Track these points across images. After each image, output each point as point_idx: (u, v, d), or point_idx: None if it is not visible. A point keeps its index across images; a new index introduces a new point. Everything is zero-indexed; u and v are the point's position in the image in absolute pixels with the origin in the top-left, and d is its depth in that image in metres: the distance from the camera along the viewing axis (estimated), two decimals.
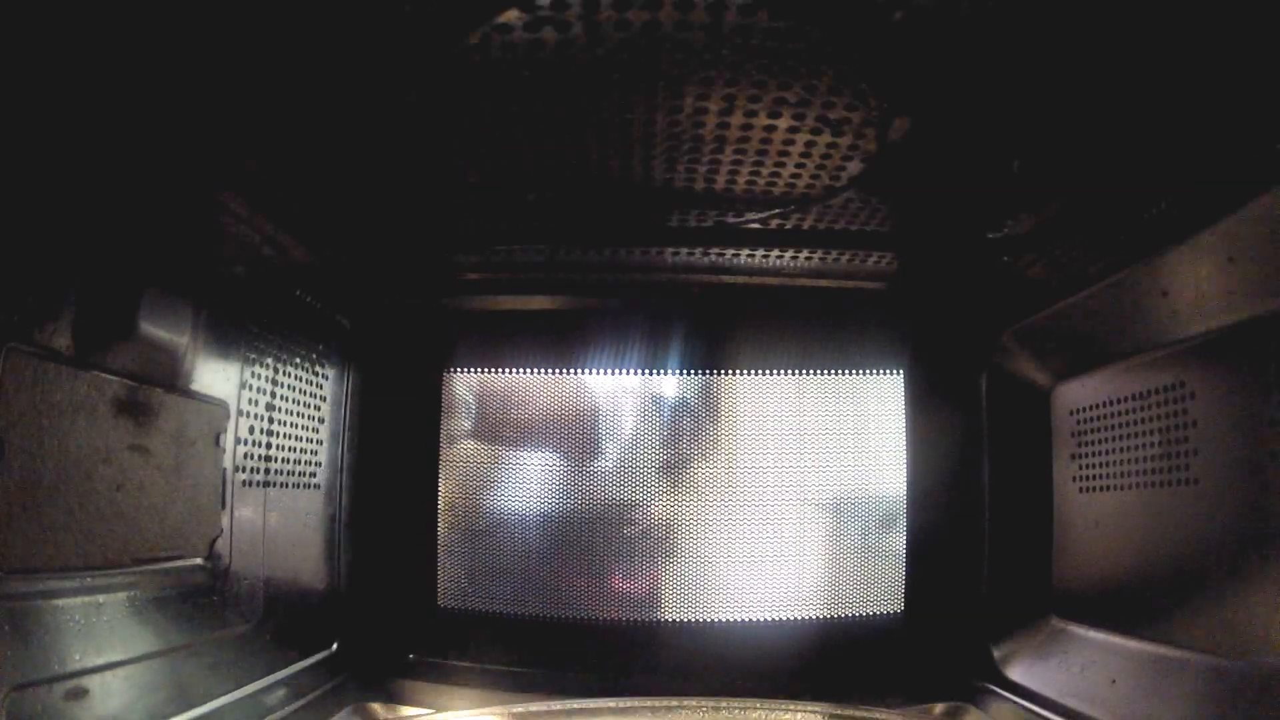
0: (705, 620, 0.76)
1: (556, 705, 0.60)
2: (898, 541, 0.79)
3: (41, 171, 0.40)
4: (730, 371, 0.82)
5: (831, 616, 0.77)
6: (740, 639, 0.75)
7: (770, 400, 0.82)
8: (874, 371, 0.82)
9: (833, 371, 0.82)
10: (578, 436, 0.81)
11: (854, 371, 0.82)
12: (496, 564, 0.78)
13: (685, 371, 0.83)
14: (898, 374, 0.82)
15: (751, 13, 0.38)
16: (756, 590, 0.77)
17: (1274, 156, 0.40)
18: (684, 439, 0.82)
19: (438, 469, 0.79)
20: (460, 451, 0.81)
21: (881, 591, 0.78)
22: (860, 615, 0.77)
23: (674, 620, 0.76)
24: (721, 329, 0.83)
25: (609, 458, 0.81)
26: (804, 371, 0.81)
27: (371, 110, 0.47)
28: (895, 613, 0.77)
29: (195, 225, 0.53)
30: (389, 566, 0.76)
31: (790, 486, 0.81)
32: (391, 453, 0.78)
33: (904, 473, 0.79)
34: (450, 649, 0.75)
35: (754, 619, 0.77)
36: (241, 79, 0.43)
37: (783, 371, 0.81)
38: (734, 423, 0.83)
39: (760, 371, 0.82)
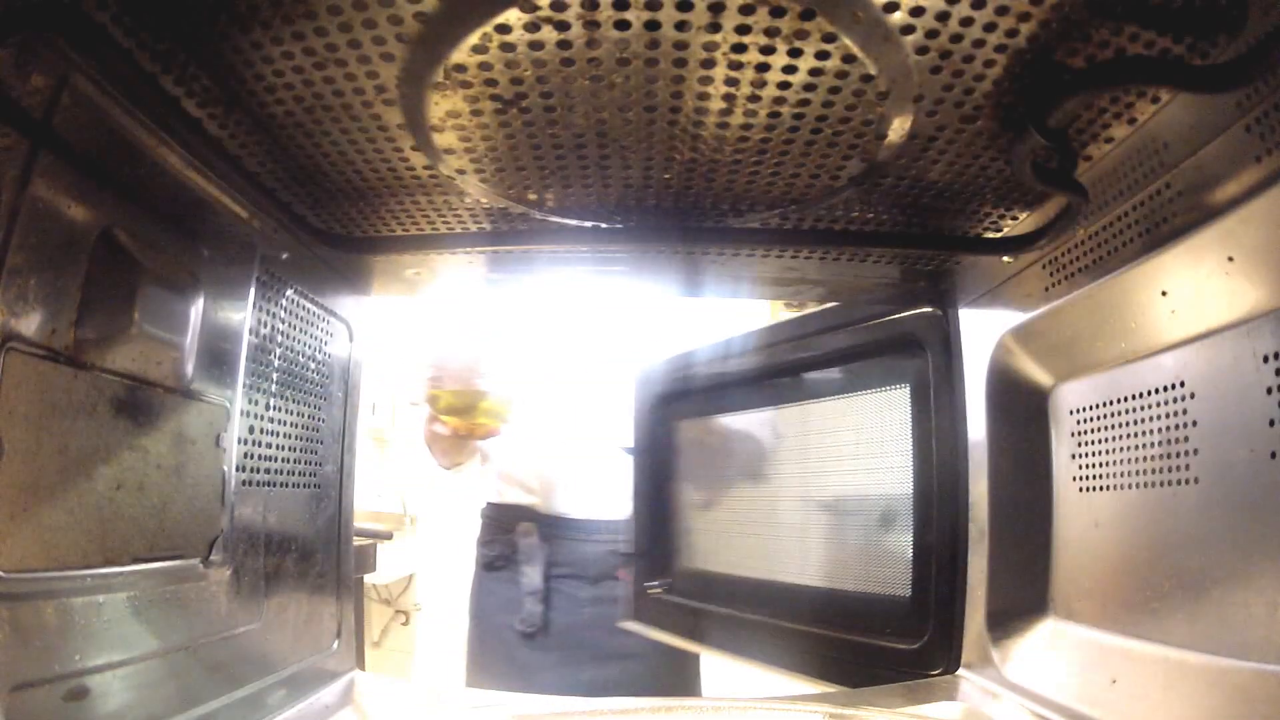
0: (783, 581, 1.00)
1: (558, 705, 0.60)
2: (904, 539, 0.83)
3: None
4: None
5: (851, 591, 0.91)
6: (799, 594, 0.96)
7: (806, 418, 1.03)
8: (880, 377, 0.88)
9: (849, 391, 0.94)
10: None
11: (866, 381, 0.91)
12: (701, 539, 1.17)
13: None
14: (904, 382, 0.84)
15: (751, 11, 0.38)
16: (804, 563, 0.99)
17: None
18: (755, 454, 1.08)
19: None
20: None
21: (890, 579, 0.87)
22: (871, 593, 0.89)
23: (762, 578, 1.03)
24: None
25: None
26: (828, 393, 0.97)
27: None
28: (903, 597, 0.84)
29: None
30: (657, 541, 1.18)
31: (820, 489, 0.98)
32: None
33: (910, 474, 0.81)
34: (681, 589, 1.15)
35: (804, 584, 0.97)
36: None
37: (819, 397, 0.99)
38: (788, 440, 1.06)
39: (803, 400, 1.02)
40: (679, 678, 1.24)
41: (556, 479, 1.25)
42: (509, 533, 1.25)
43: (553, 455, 1.25)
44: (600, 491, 1.24)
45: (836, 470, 0.96)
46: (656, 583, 1.16)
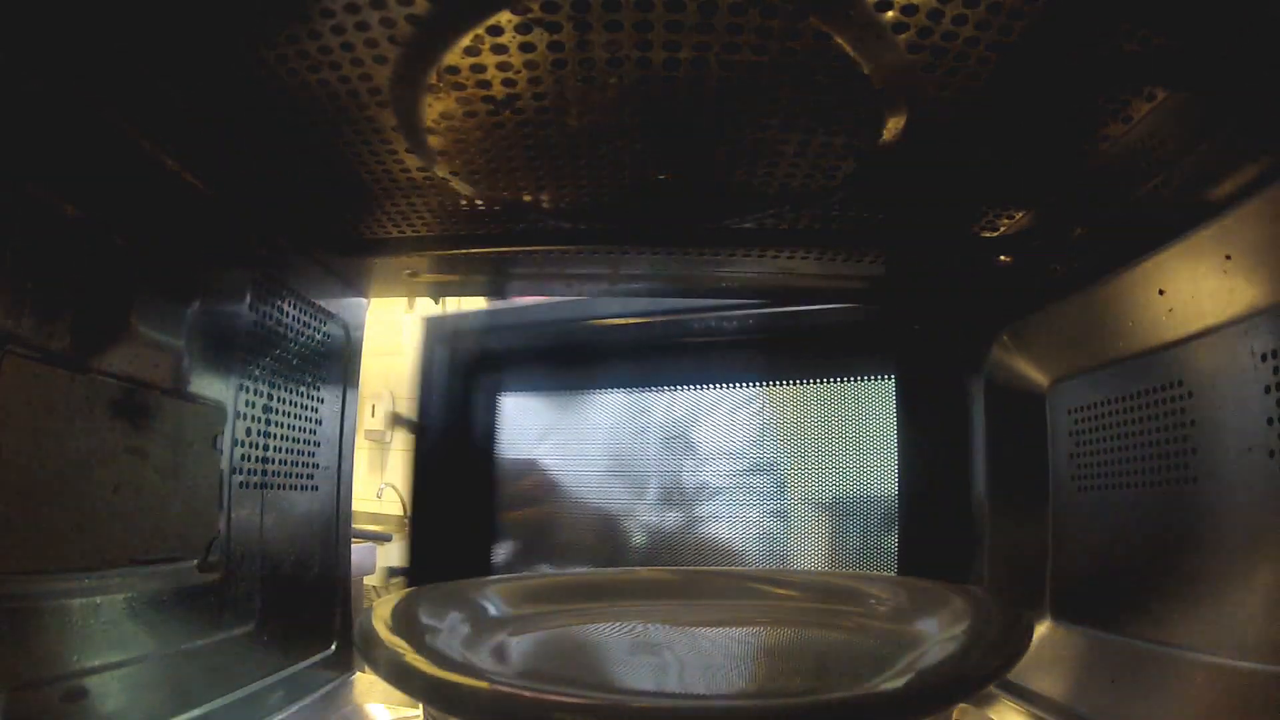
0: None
1: None
2: (890, 541, 0.83)
3: None
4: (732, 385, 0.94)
5: None
6: None
7: (770, 404, 0.94)
8: (867, 372, 0.87)
9: (828, 379, 0.89)
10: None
11: (848, 376, 0.88)
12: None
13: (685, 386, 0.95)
14: (889, 376, 0.84)
15: (743, 11, 0.38)
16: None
17: None
18: (682, 444, 0.95)
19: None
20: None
21: None
22: None
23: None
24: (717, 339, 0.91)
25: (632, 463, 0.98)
26: (801, 379, 0.91)
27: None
28: None
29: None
30: None
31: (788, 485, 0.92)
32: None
33: (895, 473, 0.81)
34: None
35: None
36: None
37: (786, 381, 0.92)
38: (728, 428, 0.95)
39: (766, 383, 0.93)
40: None
41: None
42: None
43: None
44: None
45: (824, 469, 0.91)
46: None
